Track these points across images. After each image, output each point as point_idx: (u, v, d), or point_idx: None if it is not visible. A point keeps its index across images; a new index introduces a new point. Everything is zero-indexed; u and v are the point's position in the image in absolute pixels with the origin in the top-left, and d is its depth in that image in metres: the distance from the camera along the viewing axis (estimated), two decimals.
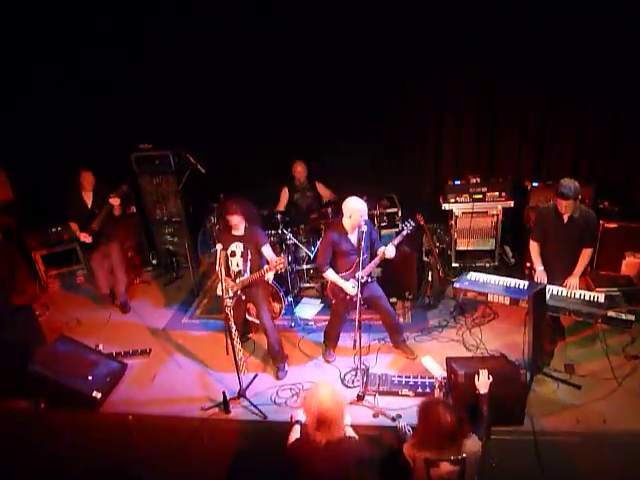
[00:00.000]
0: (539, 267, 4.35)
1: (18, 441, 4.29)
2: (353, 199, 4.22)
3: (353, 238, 4.29)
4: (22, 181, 6.47)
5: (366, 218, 4.20)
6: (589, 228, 4.20)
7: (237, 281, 4.43)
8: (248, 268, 4.41)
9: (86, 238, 5.27)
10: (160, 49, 5.94)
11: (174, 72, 6.03)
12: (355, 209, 4.15)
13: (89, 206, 5.34)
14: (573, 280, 4.21)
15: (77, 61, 6.05)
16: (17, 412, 4.34)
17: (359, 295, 4.00)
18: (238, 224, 4.37)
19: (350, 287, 4.25)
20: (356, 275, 4.20)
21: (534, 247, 4.41)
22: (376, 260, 4.27)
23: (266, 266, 4.24)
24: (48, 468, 4.27)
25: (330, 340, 4.71)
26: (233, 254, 4.43)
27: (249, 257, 4.39)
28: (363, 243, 4.10)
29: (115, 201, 5.21)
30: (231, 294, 4.39)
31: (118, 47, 5.96)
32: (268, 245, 4.46)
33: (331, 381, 4.19)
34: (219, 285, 4.21)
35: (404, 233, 4.28)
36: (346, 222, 4.24)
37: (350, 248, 4.26)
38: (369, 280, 4.38)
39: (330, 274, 4.33)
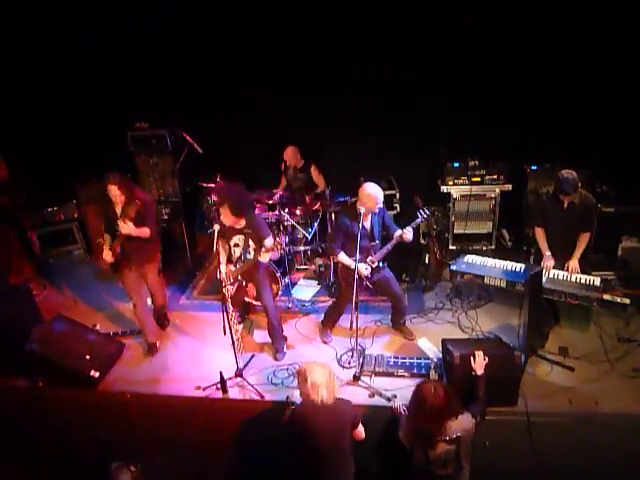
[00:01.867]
0: (547, 252, 4.36)
1: (17, 419, 4.33)
2: (370, 185, 4.16)
3: (366, 223, 4.27)
4: (17, 160, 6.41)
5: (381, 205, 4.19)
6: (589, 213, 4.21)
7: (237, 266, 4.43)
8: (250, 257, 4.43)
9: (108, 257, 4.45)
10: (156, 27, 5.84)
11: (171, 51, 5.94)
12: (372, 196, 4.10)
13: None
14: (573, 263, 4.23)
15: (70, 39, 5.95)
16: (16, 390, 4.36)
17: (356, 276, 4.00)
18: (231, 217, 4.25)
19: (363, 268, 4.24)
20: (367, 260, 4.26)
21: (540, 233, 4.42)
22: (392, 243, 4.27)
23: (262, 248, 4.24)
24: (47, 445, 4.32)
25: (329, 321, 4.74)
26: (236, 245, 4.44)
27: (251, 247, 4.41)
28: (376, 228, 4.13)
29: (125, 228, 4.31)
30: (232, 280, 4.40)
31: (112, 24, 5.87)
32: (270, 238, 4.39)
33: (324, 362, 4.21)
34: (219, 269, 4.26)
35: (419, 221, 4.28)
36: (361, 207, 4.16)
37: (363, 233, 4.20)
38: (380, 265, 4.38)
39: (342, 257, 4.31)
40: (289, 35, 5.76)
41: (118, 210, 4.43)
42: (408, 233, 4.19)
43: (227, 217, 4.21)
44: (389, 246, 4.29)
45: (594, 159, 5.42)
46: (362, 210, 4.11)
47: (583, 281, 4.12)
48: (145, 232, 4.40)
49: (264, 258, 4.25)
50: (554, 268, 4.26)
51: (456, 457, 3.05)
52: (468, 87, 5.67)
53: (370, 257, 4.30)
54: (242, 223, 4.33)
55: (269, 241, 4.25)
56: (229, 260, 4.49)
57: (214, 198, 4.30)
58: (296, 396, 3.57)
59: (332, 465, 3.12)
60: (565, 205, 4.17)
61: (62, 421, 4.25)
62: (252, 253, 4.38)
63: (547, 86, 5.54)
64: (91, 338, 4.60)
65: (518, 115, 5.57)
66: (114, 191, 4.33)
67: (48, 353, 4.26)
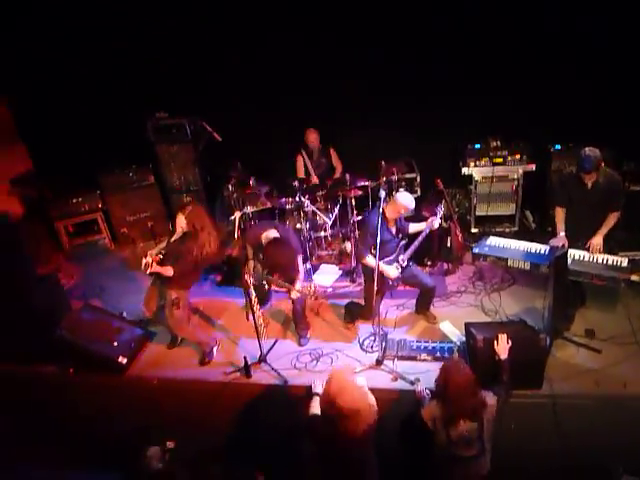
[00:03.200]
0: (561, 233, 4.29)
1: (48, 405, 4.47)
2: (405, 195, 4.27)
3: (392, 226, 4.35)
4: (41, 153, 6.54)
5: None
6: (615, 192, 4.12)
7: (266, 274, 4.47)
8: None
9: (146, 261, 4.10)
10: (175, 16, 5.84)
11: (190, 40, 5.95)
12: (405, 206, 4.21)
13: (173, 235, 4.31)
14: (597, 240, 4.14)
15: (91, 30, 5.99)
16: (47, 377, 4.50)
17: (377, 264, 3.98)
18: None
19: (393, 270, 4.31)
20: (399, 259, 4.36)
21: (559, 212, 4.35)
22: (421, 237, 4.37)
23: (296, 288, 4.28)
24: (77, 430, 4.46)
25: (351, 314, 4.75)
26: None
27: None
28: (401, 229, 4.35)
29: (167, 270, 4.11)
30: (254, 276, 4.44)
31: (132, 14, 5.89)
32: (300, 256, 4.49)
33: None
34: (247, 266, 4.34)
35: (440, 214, 4.44)
36: (391, 214, 4.26)
37: (389, 237, 4.28)
38: (410, 264, 4.46)
39: (370, 261, 4.28)
40: (306, 21, 5.71)
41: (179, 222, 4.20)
42: (436, 223, 4.38)
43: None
44: (416, 243, 4.38)
45: (620, 137, 5.27)
46: (391, 216, 4.28)
47: (610, 262, 4.03)
48: (167, 272, 4.13)
49: (294, 295, 4.35)
50: (579, 249, 4.17)
51: (479, 436, 3.04)
52: (490, 66, 5.55)
53: (401, 256, 4.38)
54: None
55: (302, 281, 4.41)
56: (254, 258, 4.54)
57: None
58: (319, 387, 3.59)
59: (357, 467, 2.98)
60: (589, 185, 4.08)
61: (91, 406, 4.37)
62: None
63: (571, 64, 5.39)
64: (118, 325, 4.70)
65: (541, 94, 5.44)
66: (181, 221, 4.15)
67: (77, 340, 4.38)
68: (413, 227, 4.52)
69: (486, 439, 3.06)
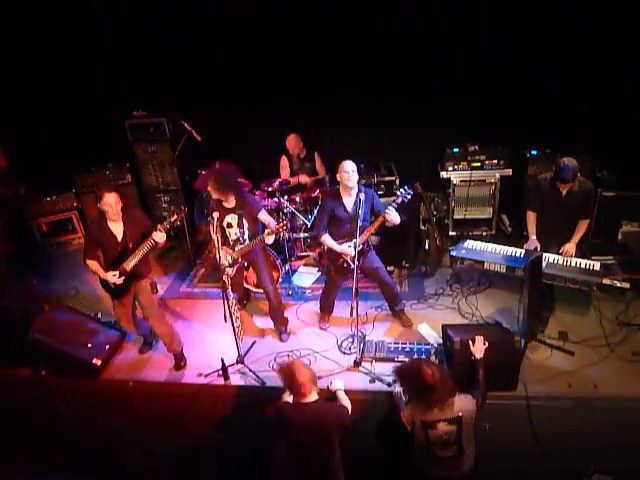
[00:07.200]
0: (532, 236, 4.38)
1: (21, 407, 4.37)
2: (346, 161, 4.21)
3: (349, 204, 4.26)
4: (15, 150, 6.38)
5: (352, 177, 4.15)
6: (587, 200, 4.21)
7: (236, 249, 4.42)
8: (246, 237, 4.40)
9: (116, 279, 4.05)
10: (153, 14, 5.78)
11: (169, 38, 5.88)
12: (339, 168, 4.17)
13: (119, 239, 4.05)
14: (569, 246, 4.23)
15: (66, 26, 5.89)
16: (19, 379, 4.39)
17: (356, 262, 4.00)
18: (222, 197, 4.30)
19: (346, 247, 4.23)
20: (353, 241, 4.19)
21: (531, 216, 4.43)
22: (374, 225, 4.22)
23: (267, 230, 4.22)
24: (50, 434, 4.37)
25: (323, 306, 4.76)
26: (230, 225, 4.40)
27: (246, 227, 4.38)
28: (360, 210, 4.09)
29: (161, 237, 3.97)
30: (231, 261, 4.39)
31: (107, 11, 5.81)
32: (263, 210, 4.45)
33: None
34: (218, 253, 4.23)
35: (398, 200, 4.18)
36: (339, 178, 4.23)
37: (346, 215, 4.24)
38: (367, 248, 4.36)
39: (326, 239, 4.33)
40: (289, 24, 5.70)
41: (114, 227, 4.06)
42: (390, 213, 4.09)
43: (212, 191, 4.27)
44: (372, 228, 4.24)
45: (595, 143, 5.40)
46: (346, 183, 4.16)
47: (583, 266, 4.12)
48: (131, 263, 4.05)
49: (269, 240, 4.26)
50: (551, 253, 4.26)
51: (457, 439, 3.07)
52: (469, 71, 5.63)
53: (354, 240, 4.17)
54: (232, 201, 4.33)
55: (273, 223, 4.30)
56: (225, 243, 4.46)
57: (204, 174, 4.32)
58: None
59: (312, 466, 3.13)
60: (564, 193, 4.17)
61: (65, 409, 4.28)
62: (247, 233, 4.38)
63: (548, 70, 5.50)
64: (93, 327, 4.61)
65: (518, 100, 5.54)
66: (112, 199, 3.93)
67: (50, 342, 4.28)
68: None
69: (465, 442, 3.09)
